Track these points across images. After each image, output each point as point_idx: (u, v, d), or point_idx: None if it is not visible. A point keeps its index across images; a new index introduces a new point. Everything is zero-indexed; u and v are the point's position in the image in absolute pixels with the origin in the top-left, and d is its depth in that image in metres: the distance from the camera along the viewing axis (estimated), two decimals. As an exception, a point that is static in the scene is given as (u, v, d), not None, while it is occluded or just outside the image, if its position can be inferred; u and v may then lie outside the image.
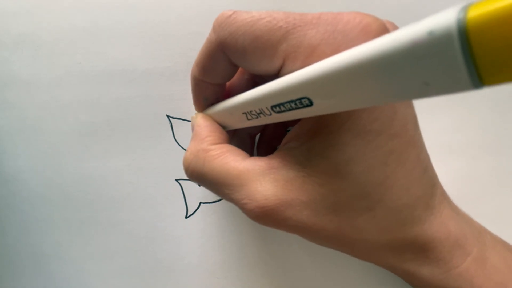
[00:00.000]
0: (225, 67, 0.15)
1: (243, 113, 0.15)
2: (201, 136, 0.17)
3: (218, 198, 0.24)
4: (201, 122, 0.18)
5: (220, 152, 0.16)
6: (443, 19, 0.07)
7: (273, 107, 0.13)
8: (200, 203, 0.24)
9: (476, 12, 0.07)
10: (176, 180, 0.24)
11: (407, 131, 0.14)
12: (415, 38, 0.08)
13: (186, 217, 0.24)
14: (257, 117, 0.15)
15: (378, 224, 0.14)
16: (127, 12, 0.23)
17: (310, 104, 0.11)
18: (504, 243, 0.18)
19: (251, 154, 0.23)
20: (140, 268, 0.24)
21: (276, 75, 0.14)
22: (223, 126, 0.18)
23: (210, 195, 0.24)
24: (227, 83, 0.18)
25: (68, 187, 0.24)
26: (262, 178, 0.14)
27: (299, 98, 0.12)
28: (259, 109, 0.14)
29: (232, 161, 0.15)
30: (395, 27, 0.14)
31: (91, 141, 0.24)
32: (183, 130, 0.23)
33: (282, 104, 0.12)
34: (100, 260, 0.24)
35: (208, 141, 0.17)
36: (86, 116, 0.23)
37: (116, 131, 0.24)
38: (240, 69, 0.18)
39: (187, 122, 0.23)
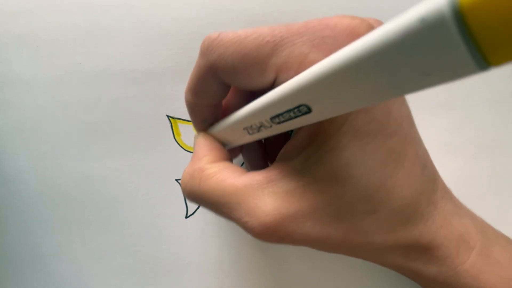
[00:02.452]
0: (218, 88, 0.15)
1: (244, 129, 0.15)
2: (198, 156, 0.17)
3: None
4: (201, 141, 0.17)
5: (216, 170, 0.15)
6: (434, 2, 0.07)
7: (272, 118, 0.13)
8: (200, 203, 0.24)
9: None
10: (176, 180, 0.24)
11: (403, 129, 0.14)
12: (407, 28, 0.07)
13: (186, 217, 0.24)
14: (258, 131, 0.14)
15: (383, 225, 0.14)
16: (127, 12, 0.23)
17: (309, 111, 0.11)
18: (507, 238, 0.18)
19: (264, 161, 0.22)
20: (140, 268, 0.24)
21: (271, 88, 0.14)
22: (226, 143, 0.18)
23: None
24: (224, 101, 0.18)
25: (68, 187, 0.24)
26: (261, 193, 0.14)
27: (297, 106, 0.11)
28: (259, 123, 0.14)
29: (229, 178, 0.15)
30: (379, 22, 0.14)
31: (91, 141, 0.24)
32: (183, 130, 0.23)
33: (281, 114, 0.12)
34: (100, 260, 0.24)
35: (205, 160, 0.16)
36: (86, 116, 0.23)
37: (116, 131, 0.23)
38: (233, 86, 0.18)
39: (187, 122, 0.23)
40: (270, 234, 0.13)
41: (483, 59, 0.06)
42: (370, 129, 0.13)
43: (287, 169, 0.14)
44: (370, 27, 0.12)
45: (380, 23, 0.14)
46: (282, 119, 0.12)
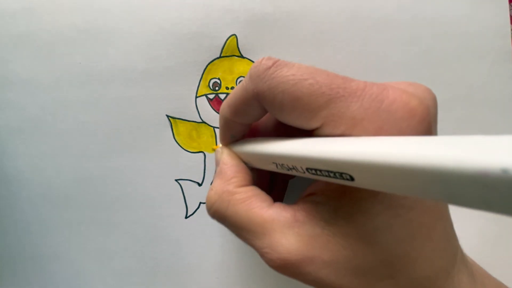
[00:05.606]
0: (258, 112, 0.15)
1: (273, 163, 0.15)
2: (226, 176, 0.17)
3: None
4: (228, 160, 0.17)
5: (245, 197, 0.16)
6: None
7: (308, 169, 0.13)
8: (200, 203, 0.24)
9: None
10: (176, 180, 0.24)
11: (437, 206, 0.14)
12: (486, 171, 0.07)
13: (186, 217, 0.24)
14: (287, 170, 0.14)
15: None
16: (127, 12, 0.23)
17: (351, 179, 0.11)
18: None
19: (269, 183, 0.21)
20: (140, 268, 0.24)
21: (311, 134, 0.14)
22: (247, 162, 0.18)
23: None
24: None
25: (68, 187, 0.24)
26: (287, 231, 0.14)
27: (340, 172, 0.11)
28: (292, 166, 0.14)
29: (257, 207, 0.15)
30: (433, 97, 0.14)
31: (91, 141, 0.24)
32: (183, 130, 0.23)
33: (320, 170, 0.12)
34: (100, 260, 0.24)
35: (234, 182, 0.16)
36: (86, 116, 0.23)
37: (116, 131, 0.23)
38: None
39: (187, 122, 0.23)
40: (286, 269, 0.14)
41: None
42: (406, 203, 0.13)
43: (314, 213, 0.14)
44: (426, 111, 0.12)
45: (431, 95, 0.14)
46: (319, 173, 0.12)
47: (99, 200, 0.24)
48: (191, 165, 0.24)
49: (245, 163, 0.17)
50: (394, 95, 0.12)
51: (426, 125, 0.12)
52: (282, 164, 0.14)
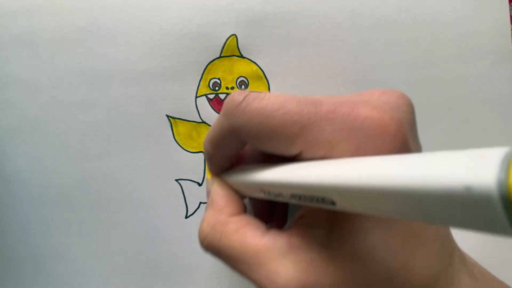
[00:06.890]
0: (238, 144, 0.16)
1: (261, 191, 0.15)
2: (218, 206, 0.17)
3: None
4: (218, 189, 0.17)
5: (239, 226, 0.15)
6: (482, 177, 0.07)
7: (293, 195, 0.13)
8: (200, 203, 0.24)
9: None
10: (176, 180, 0.24)
11: None
12: (449, 189, 0.07)
13: (186, 217, 0.24)
14: (275, 197, 0.14)
15: None
16: (127, 12, 0.23)
17: (333, 204, 0.11)
18: None
19: (269, 209, 0.21)
20: (140, 268, 0.24)
21: (294, 159, 0.14)
22: (238, 191, 0.18)
23: (210, 195, 0.24)
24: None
25: (68, 187, 0.24)
26: (283, 259, 0.14)
27: (322, 197, 0.11)
28: (278, 193, 0.14)
29: (251, 236, 0.15)
30: (407, 102, 0.14)
31: (91, 141, 0.24)
32: (183, 130, 0.23)
33: (303, 196, 0.12)
34: (100, 260, 0.24)
35: (226, 212, 0.16)
36: (86, 116, 0.23)
37: (116, 131, 0.24)
38: None
39: (187, 122, 0.23)
40: None
41: None
42: None
43: (309, 238, 0.14)
44: (399, 125, 0.12)
45: (405, 101, 0.14)
46: (303, 199, 0.12)
47: (99, 200, 0.24)
48: (191, 165, 0.24)
49: (237, 192, 0.18)
50: (365, 112, 0.12)
51: (401, 138, 0.12)
52: (269, 191, 0.14)
